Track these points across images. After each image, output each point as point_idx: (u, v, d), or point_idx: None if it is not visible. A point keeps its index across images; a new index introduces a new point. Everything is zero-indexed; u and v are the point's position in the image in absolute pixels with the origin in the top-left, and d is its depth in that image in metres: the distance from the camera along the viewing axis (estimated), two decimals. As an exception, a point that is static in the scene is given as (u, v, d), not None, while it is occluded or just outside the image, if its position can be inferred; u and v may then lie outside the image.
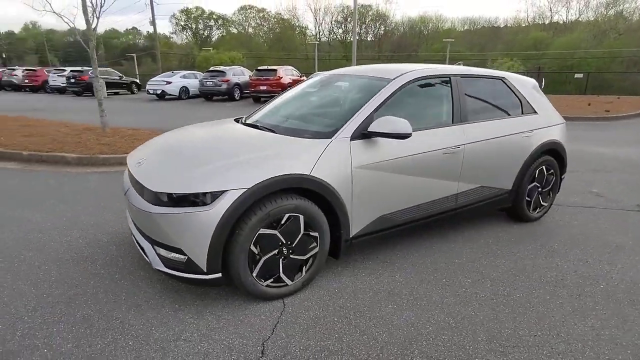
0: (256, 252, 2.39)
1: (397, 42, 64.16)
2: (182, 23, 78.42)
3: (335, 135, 2.68)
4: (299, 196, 2.47)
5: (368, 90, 3.01)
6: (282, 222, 2.43)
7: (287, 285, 2.56)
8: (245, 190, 2.25)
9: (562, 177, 4.17)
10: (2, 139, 6.90)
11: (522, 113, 3.72)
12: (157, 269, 2.39)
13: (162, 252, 2.36)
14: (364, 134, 2.71)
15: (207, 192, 2.23)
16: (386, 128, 2.65)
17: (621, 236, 3.65)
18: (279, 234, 2.43)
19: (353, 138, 2.69)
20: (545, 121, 3.83)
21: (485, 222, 3.94)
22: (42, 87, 22.58)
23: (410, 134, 2.67)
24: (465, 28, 67.59)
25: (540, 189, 3.91)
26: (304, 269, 2.63)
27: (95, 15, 6.90)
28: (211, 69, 19.49)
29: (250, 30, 73.12)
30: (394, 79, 3.02)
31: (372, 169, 2.73)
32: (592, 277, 2.90)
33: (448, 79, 3.27)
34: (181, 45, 74.94)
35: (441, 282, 2.81)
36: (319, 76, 3.88)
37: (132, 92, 22.91)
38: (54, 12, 6.90)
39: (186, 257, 2.27)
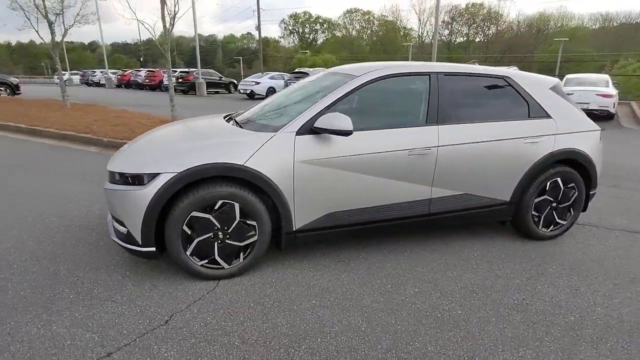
0: (189, 233, 2.58)
1: (508, 42, 59.35)
2: (290, 27, 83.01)
3: (281, 129, 2.74)
4: (234, 185, 2.60)
5: (333, 87, 3.00)
6: (216, 207, 2.59)
7: (223, 268, 2.71)
8: (175, 174, 2.46)
9: (592, 193, 3.60)
10: (94, 128, 8.21)
11: (529, 116, 3.31)
12: (112, 238, 2.73)
13: (115, 224, 2.69)
14: (312, 129, 2.73)
15: (144, 174, 2.49)
16: (328, 124, 2.64)
17: (633, 267, 3.05)
18: (212, 219, 2.59)
19: (300, 133, 2.73)
20: (562, 127, 3.35)
21: (484, 235, 3.59)
22: (158, 86, 25.95)
23: (351, 131, 2.63)
24: (598, 26, 59.69)
25: (554, 204, 3.44)
26: (242, 255, 2.75)
27: (171, 21, 7.78)
28: (296, 70, 20.39)
29: (354, 33, 74.27)
30: (358, 76, 2.96)
31: (319, 165, 2.73)
32: (567, 308, 2.51)
33: (427, 77, 3.08)
34: (287, 49, 79.27)
35: (384, 288, 2.69)
36: (315, 74, 3.93)
37: (229, 92, 25.06)
38: (137, 19, 7.96)
39: (127, 230, 2.57)
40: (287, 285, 2.69)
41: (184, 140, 2.89)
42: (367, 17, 72.96)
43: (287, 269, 2.91)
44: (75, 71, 41.18)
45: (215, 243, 2.66)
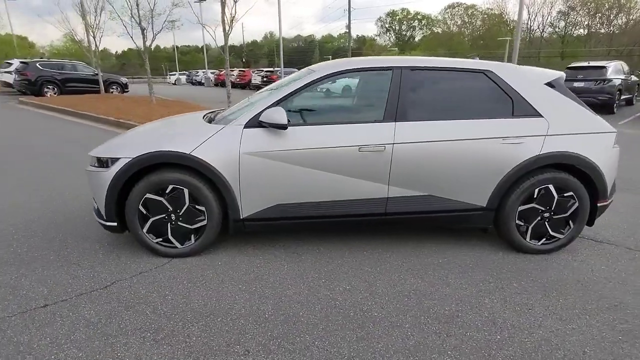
0: (145, 213, 2.89)
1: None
2: (387, 25, 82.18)
3: (232, 122, 2.91)
4: (183, 172, 2.84)
5: (294, 81, 3.06)
6: (167, 191, 2.86)
7: (176, 247, 2.98)
8: (130, 159, 2.78)
9: (601, 205, 3.11)
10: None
11: (513, 115, 2.98)
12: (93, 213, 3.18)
13: (93, 201, 3.13)
14: (258, 123, 2.84)
15: (109, 158, 2.86)
16: (269, 118, 2.74)
17: (625, 293, 2.58)
18: (164, 201, 2.87)
19: (248, 126, 2.86)
20: (556, 127, 2.96)
21: (467, 242, 3.34)
22: (247, 84, 27.84)
23: (285, 125, 2.68)
24: None
25: (546, 214, 3.05)
26: (193, 237, 2.98)
27: (229, 24, 8.40)
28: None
29: (454, 28, 70.76)
30: (316, 71, 2.99)
31: (266, 157, 2.83)
32: (501, 325, 2.26)
33: (390, 72, 2.97)
34: (383, 47, 78.55)
35: (316, 282, 2.70)
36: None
37: (311, 90, 25.86)
38: (202, 24, 8.73)
39: (96, 206, 2.97)
40: (227, 270, 2.85)
41: (154, 132, 3.22)
42: (470, 11, 68.88)
43: (239, 255, 3.08)
44: (184, 72, 46.03)
45: (169, 224, 2.93)
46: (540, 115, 2.97)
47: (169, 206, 2.88)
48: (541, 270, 2.91)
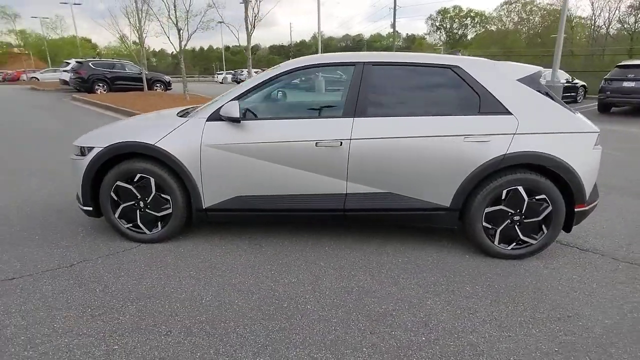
0: (116, 199, 3.09)
1: None
2: (437, 23, 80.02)
3: (196, 115, 3.03)
4: (149, 162, 2.99)
5: (262, 76, 3.13)
6: (135, 180, 3.03)
7: (145, 233, 3.15)
8: (101, 148, 2.99)
9: (580, 210, 2.91)
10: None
11: (479, 112, 2.86)
12: (78, 199, 3.43)
13: (79, 187, 3.38)
14: (220, 116, 2.94)
15: (86, 147, 3.08)
16: (226, 112, 2.83)
17: (585, 304, 2.39)
18: (133, 189, 3.05)
19: (210, 119, 2.97)
20: (527, 126, 2.80)
21: (435, 242, 3.24)
22: (287, 83, 28.31)
23: (237, 118, 2.76)
24: None
25: (516, 218, 2.90)
26: (160, 224, 3.14)
27: (251, 24, 8.63)
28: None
29: (510, 26, 67.48)
30: (280, 66, 3.03)
31: (224, 149, 2.93)
32: (432, 327, 2.20)
33: (352, 67, 2.95)
34: (432, 45, 76.46)
35: (266, 274, 2.75)
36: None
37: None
38: (225, 23, 9.02)
39: (77, 192, 3.21)
40: (187, 257, 2.97)
41: (131, 124, 3.41)
42: (528, 7, 65.32)
43: (203, 243, 3.19)
44: (230, 71, 47.63)
45: (137, 211, 3.11)
46: (509, 113, 2.83)
47: (137, 194, 3.06)
48: (503, 275, 2.77)
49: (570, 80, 15.35)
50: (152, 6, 15.63)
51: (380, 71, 2.94)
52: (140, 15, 16.25)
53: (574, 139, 2.83)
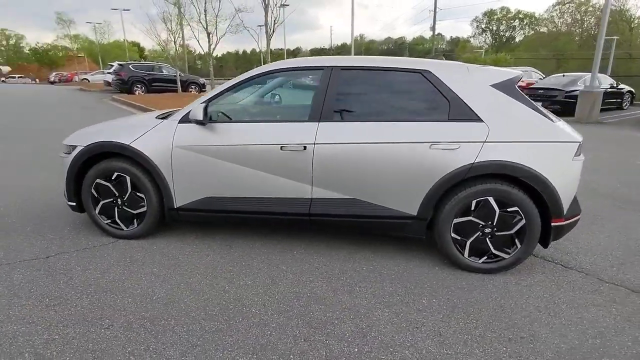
0: (96, 196, 3.24)
1: None
2: (483, 26, 77.59)
3: (169, 117, 3.12)
4: (125, 161, 3.12)
5: (232, 80, 3.17)
6: (113, 178, 3.17)
7: (122, 229, 3.28)
8: (82, 147, 3.14)
9: (556, 225, 2.72)
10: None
11: (449, 118, 2.75)
12: (68, 194, 3.62)
13: (69, 183, 3.57)
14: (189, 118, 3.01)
15: (70, 145, 3.26)
16: (193, 115, 2.89)
17: (545, 326, 2.23)
18: (111, 187, 3.19)
19: (182, 121, 3.05)
20: (498, 134, 2.66)
21: (406, 253, 3.15)
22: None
23: (201, 120, 2.82)
24: None
25: (487, 230, 2.77)
26: (136, 221, 3.26)
27: (270, 29, 8.77)
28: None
29: (563, 27, 64.17)
30: (251, 70, 3.06)
31: (194, 151, 3.00)
32: (386, 344, 2.14)
33: (320, 71, 2.93)
34: (478, 48, 74.03)
35: (224, 275, 2.78)
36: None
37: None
38: (246, 27, 9.22)
39: (64, 188, 3.40)
40: (157, 254, 3.06)
41: (115, 125, 3.54)
42: (583, 8, 61.81)
43: (177, 242, 3.28)
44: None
45: (116, 207, 3.24)
46: (480, 120, 2.70)
47: (115, 191, 3.19)
48: (467, 289, 2.65)
49: (615, 86, 14.37)
50: (185, 12, 16.17)
51: (348, 76, 2.90)
52: (181, 20, 16.94)
53: (550, 149, 2.66)
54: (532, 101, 2.78)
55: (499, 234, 2.76)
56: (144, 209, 3.19)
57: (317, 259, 3.03)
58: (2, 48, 66.70)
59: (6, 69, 61.70)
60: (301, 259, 3.04)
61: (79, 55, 47.66)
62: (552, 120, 2.72)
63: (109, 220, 3.29)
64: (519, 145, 2.65)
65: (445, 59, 4.37)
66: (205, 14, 12.16)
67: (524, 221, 2.70)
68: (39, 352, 1.99)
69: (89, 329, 2.17)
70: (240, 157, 2.93)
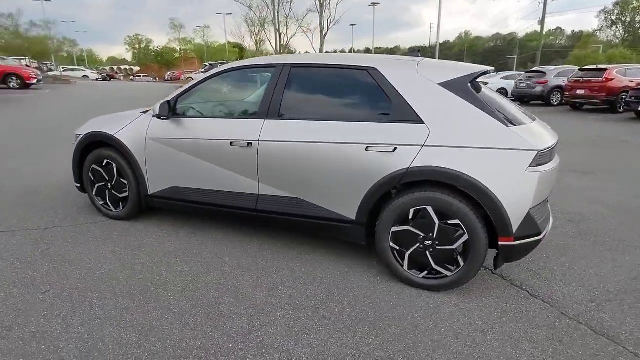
0: (93, 179, 3.68)
1: None
2: (613, 17, 67.92)
3: (148, 112, 3.40)
4: (112, 149, 3.49)
5: (196, 79, 3.35)
6: (104, 164, 3.57)
7: (112, 210, 3.68)
8: (82, 136, 3.61)
9: (506, 245, 2.39)
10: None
11: (390, 119, 2.56)
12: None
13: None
14: (160, 113, 3.26)
15: (77, 134, 3.75)
16: (153, 110, 3.14)
17: (455, 354, 1.97)
18: (103, 172, 3.60)
19: (155, 116, 3.31)
20: (439, 138, 2.41)
21: (358, 257, 3.02)
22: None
23: (159, 115, 3.03)
24: None
25: (428, 242, 2.53)
26: (121, 204, 3.63)
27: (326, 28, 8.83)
28: (534, 69, 17.45)
29: None
30: (214, 69, 3.20)
31: (161, 143, 3.24)
32: (240, 338, 2.15)
33: (273, 69, 2.94)
34: (600, 42, 65.02)
35: (170, 260, 2.97)
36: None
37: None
38: (302, 27, 9.39)
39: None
40: (128, 235, 3.36)
41: (113, 117, 3.94)
42: None
43: (152, 227, 3.56)
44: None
45: (107, 190, 3.65)
46: (422, 122, 2.47)
47: (106, 176, 3.60)
48: (392, 305, 2.46)
49: None
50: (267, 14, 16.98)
51: (296, 73, 2.88)
52: (277, 23, 17.91)
53: (497, 157, 2.33)
54: (493, 101, 2.45)
55: (440, 248, 2.50)
56: (127, 194, 3.54)
57: (265, 255, 3.06)
58: (135, 51, 77.54)
59: (136, 69, 71.70)
60: (250, 253, 3.10)
61: (192, 56, 53.23)
62: (506, 124, 2.37)
63: (102, 202, 3.71)
64: (461, 150, 2.37)
65: (436, 55, 4.04)
66: (277, 15, 12.74)
67: (466, 236, 2.41)
68: (-21, 305, 2.37)
69: (29, 291, 2.52)
70: (199, 151, 3.09)
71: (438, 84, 2.50)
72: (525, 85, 16.31)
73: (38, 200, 4.18)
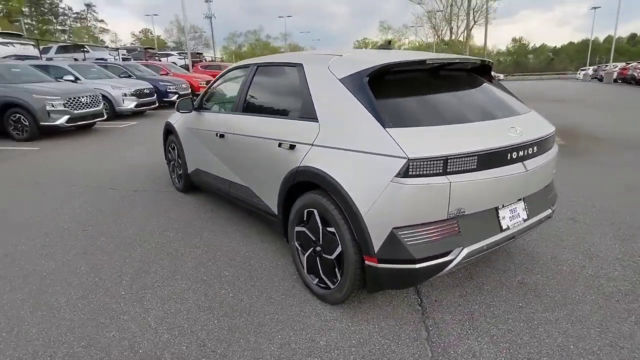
0: (169, 157, 4.77)
1: None
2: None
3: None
4: (173, 134, 4.43)
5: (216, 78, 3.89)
6: (172, 146, 4.59)
7: (176, 183, 4.68)
8: (165, 123, 4.73)
9: (366, 262, 2.04)
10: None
11: (299, 116, 2.48)
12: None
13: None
14: (189, 107, 4.00)
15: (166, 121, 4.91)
16: (176, 106, 3.89)
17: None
18: (171, 150, 4.63)
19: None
20: (324, 136, 2.24)
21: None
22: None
23: (179, 110, 3.76)
24: None
25: (318, 248, 2.38)
26: (180, 181, 4.57)
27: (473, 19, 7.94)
28: None
29: None
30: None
31: (187, 131, 4.01)
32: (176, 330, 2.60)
33: (249, 68, 3.21)
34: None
35: (155, 232, 3.68)
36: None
37: None
38: (446, 18, 8.59)
39: (168, 150, 5.13)
40: (170, 203, 4.22)
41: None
42: None
43: (196, 201, 4.33)
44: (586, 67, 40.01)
45: (174, 167, 4.68)
46: (316, 119, 2.34)
47: (171, 155, 4.62)
48: (281, 307, 2.37)
49: None
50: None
51: (259, 72, 3.09)
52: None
53: (365, 162, 1.99)
54: (383, 99, 2.09)
55: (325, 256, 2.32)
56: (181, 171, 4.46)
57: (228, 236, 3.36)
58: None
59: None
60: (218, 239, 3.30)
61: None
62: (384, 125, 1.98)
63: (174, 176, 4.75)
64: (336, 152, 2.14)
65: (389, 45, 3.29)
66: (450, 9, 11.94)
67: (340, 248, 2.17)
68: None
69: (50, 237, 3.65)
70: (204, 140, 3.68)
71: (339, 79, 2.28)
72: None
73: (153, 172, 5.61)
